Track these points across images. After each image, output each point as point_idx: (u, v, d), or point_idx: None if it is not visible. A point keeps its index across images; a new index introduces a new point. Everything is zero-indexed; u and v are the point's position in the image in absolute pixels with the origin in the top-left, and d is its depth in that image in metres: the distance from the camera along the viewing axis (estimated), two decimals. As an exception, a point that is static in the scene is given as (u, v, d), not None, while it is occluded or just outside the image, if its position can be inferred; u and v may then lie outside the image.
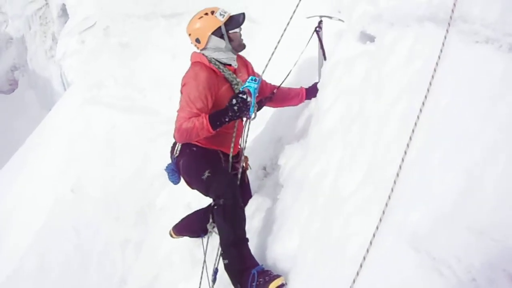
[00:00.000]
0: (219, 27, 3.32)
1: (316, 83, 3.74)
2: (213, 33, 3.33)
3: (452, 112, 2.24)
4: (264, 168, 3.87)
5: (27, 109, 20.70)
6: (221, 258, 3.15)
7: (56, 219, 6.77)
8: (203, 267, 3.54)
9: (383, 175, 2.39)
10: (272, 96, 3.77)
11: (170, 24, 7.58)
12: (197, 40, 3.39)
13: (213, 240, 3.89)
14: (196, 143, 3.42)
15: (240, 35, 3.44)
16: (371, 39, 3.27)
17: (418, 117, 2.36)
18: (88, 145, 7.13)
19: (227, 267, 3.05)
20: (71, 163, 7.19)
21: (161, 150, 5.82)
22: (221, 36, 3.34)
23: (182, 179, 3.58)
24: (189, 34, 3.43)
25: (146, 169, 6.26)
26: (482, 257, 1.76)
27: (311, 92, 3.82)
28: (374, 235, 2.25)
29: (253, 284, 2.83)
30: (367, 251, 2.24)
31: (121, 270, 5.66)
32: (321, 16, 3.76)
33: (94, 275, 6.08)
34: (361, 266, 2.22)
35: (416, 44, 2.75)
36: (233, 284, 3.02)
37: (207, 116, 3.08)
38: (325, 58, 3.78)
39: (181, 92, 3.33)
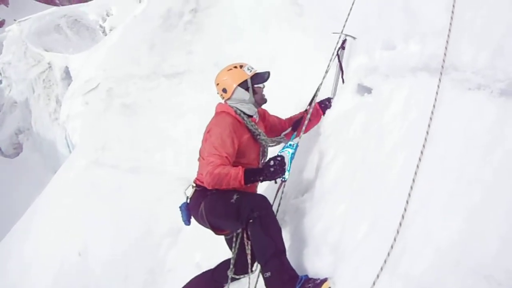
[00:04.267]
0: (246, 80, 3.53)
1: (329, 98, 3.87)
2: (239, 85, 3.52)
3: (450, 159, 2.28)
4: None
5: (32, 172, 20.77)
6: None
7: (63, 283, 6.66)
8: None
9: (387, 224, 2.40)
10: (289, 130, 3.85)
11: (172, 84, 7.72)
12: (224, 90, 3.57)
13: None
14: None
15: (263, 90, 3.63)
16: (368, 90, 3.37)
17: (417, 166, 2.41)
18: (95, 207, 7.07)
19: (269, 281, 2.96)
20: (77, 226, 7.12)
21: (169, 209, 5.81)
22: (247, 89, 3.54)
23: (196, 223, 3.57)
24: (217, 84, 3.63)
25: (154, 229, 6.19)
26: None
27: (324, 105, 3.88)
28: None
29: None
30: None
31: (131, 335, 5.52)
32: (346, 35, 3.89)
33: None
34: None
35: (411, 94, 2.84)
36: None
37: (243, 170, 3.15)
38: (343, 81, 3.90)
39: (205, 139, 3.47)
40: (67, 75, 18.51)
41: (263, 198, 3.23)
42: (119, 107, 8.19)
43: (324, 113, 3.89)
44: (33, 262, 7.44)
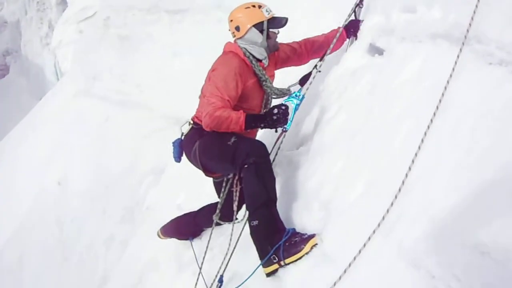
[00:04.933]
0: (262, 22, 3.35)
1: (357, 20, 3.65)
2: (254, 26, 3.35)
3: (461, 132, 2.20)
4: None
5: (17, 96, 20.43)
6: (247, 223, 3.03)
7: (40, 211, 6.63)
8: (199, 275, 3.46)
9: (385, 189, 2.35)
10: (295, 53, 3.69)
11: (172, 20, 7.48)
12: (237, 28, 3.39)
13: (202, 243, 3.82)
14: None
15: (277, 36, 3.48)
16: (380, 52, 3.25)
17: (425, 133, 2.33)
18: (79, 137, 6.99)
19: (256, 229, 2.91)
20: (59, 155, 7.05)
21: (154, 147, 5.73)
22: (261, 31, 3.37)
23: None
24: (231, 21, 3.45)
25: (137, 166, 6.13)
26: (482, 278, 1.73)
27: (351, 28, 3.64)
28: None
29: (287, 244, 2.74)
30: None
31: (103, 267, 5.51)
32: None
33: (75, 270, 5.94)
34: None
35: (427, 61, 2.72)
36: (261, 247, 2.87)
37: (245, 114, 3.08)
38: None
39: (209, 78, 3.33)
40: (62, 0, 17.90)
41: (261, 144, 3.15)
42: (115, 38, 7.96)
43: (349, 37, 3.69)
44: (12, 186, 7.40)
